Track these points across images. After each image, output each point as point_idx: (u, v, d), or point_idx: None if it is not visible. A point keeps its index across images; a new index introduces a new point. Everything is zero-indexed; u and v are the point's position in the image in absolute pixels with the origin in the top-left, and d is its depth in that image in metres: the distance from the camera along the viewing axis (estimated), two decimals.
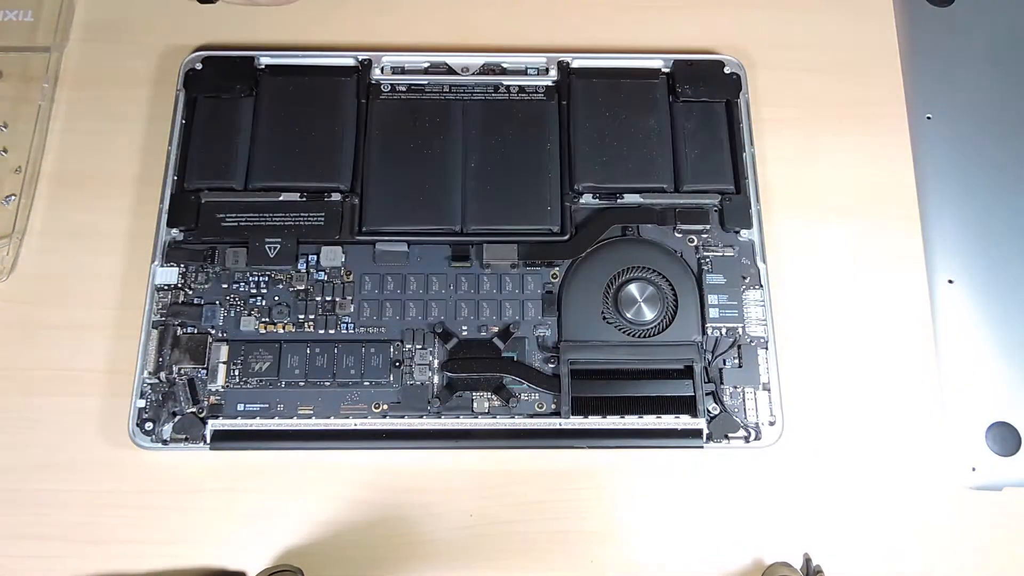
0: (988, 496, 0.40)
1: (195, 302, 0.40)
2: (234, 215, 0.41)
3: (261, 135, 0.43)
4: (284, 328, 0.40)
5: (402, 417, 0.39)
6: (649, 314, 0.40)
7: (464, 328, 0.40)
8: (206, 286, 0.40)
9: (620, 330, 0.40)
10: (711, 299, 0.41)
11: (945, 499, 0.40)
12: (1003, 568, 0.39)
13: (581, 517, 0.39)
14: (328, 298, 0.40)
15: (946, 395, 0.42)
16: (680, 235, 0.42)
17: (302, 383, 0.39)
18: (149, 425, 0.38)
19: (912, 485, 0.40)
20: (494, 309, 0.41)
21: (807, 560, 0.39)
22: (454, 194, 0.42)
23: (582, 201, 0.42)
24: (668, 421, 0.39)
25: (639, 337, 0.40)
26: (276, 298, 0.40)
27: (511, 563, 0.38)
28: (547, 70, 0.45)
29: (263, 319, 0.40)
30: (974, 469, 0.41)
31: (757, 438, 0.39)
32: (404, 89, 0.44)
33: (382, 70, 0.45)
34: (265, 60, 0.45)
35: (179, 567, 0.38)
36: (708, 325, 0.40)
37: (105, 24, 0.47)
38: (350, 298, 0.41)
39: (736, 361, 0.40)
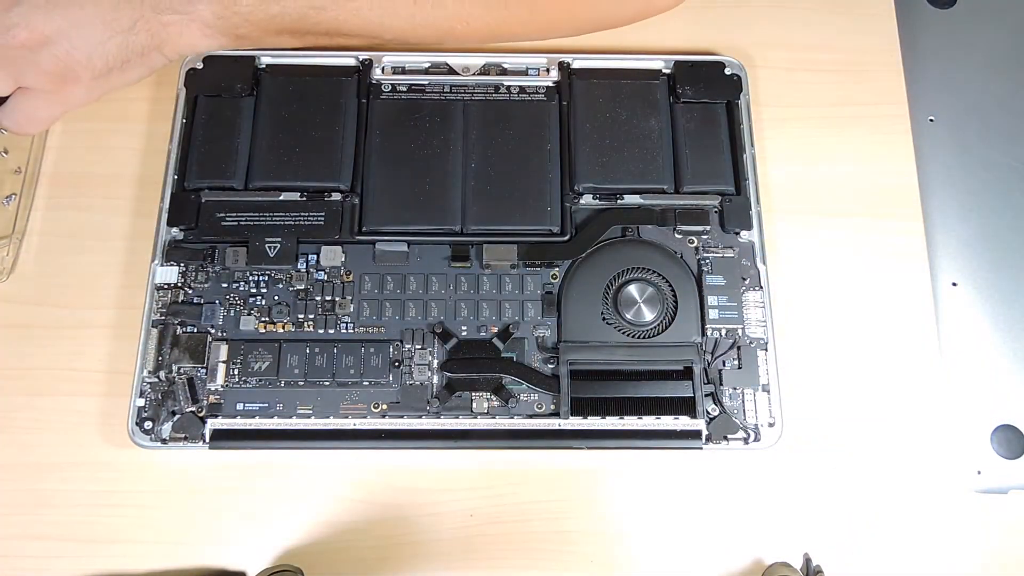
0: (993, 499, 0.40)
1: (195, 301, 0.40)
2: (234, 215, 0.41)
3: (261, 135, 0.43)
4: (284, 328, 0.40)
5: (401, 417, 0.39)
6: (649, 315, 0.40)
7: (464, 328, 0.40)
8: (206, 285, 0.40)
9: (620, 331, 0.40)
10: (711, 300, 0.41)
11: (950, 502, 0.40)
12: (1008, 571, 0.39)
13: (581, 517, 0.39)
14: (328, 298, 0.40)
15: (950, 398, 0.41)
16: (680, 236, 0.42)
17: (301, 383, 0.39)
18: (148, 424, 0.38)
19: (916, 488, 0.40)
20: (494, 309, 0.40)
21: (807, 560, 0.38)
22: (454, 194, 0.42)
23: (582, 202, 0.42)
24: (667, 422, 0.39)
25: (639, 338, 0.40)
26: (276, 298, 0.40)
27: (511, 563, 0.38)
28: (547, 70, 0.45)
29: (263, 318, 0.40)
30: (979, 472, 0.40)
31: (756, 440, 0.39)
32: (404, 89, 0.44)
33: (382, 70, 0.45)
34: (266, 60, 0.45)
35: (179, 567, 0.38)
36: (708, 326, 0.40)
37: None
38: (350, 298, 0.40)
39: (736, 362, 0.40)
